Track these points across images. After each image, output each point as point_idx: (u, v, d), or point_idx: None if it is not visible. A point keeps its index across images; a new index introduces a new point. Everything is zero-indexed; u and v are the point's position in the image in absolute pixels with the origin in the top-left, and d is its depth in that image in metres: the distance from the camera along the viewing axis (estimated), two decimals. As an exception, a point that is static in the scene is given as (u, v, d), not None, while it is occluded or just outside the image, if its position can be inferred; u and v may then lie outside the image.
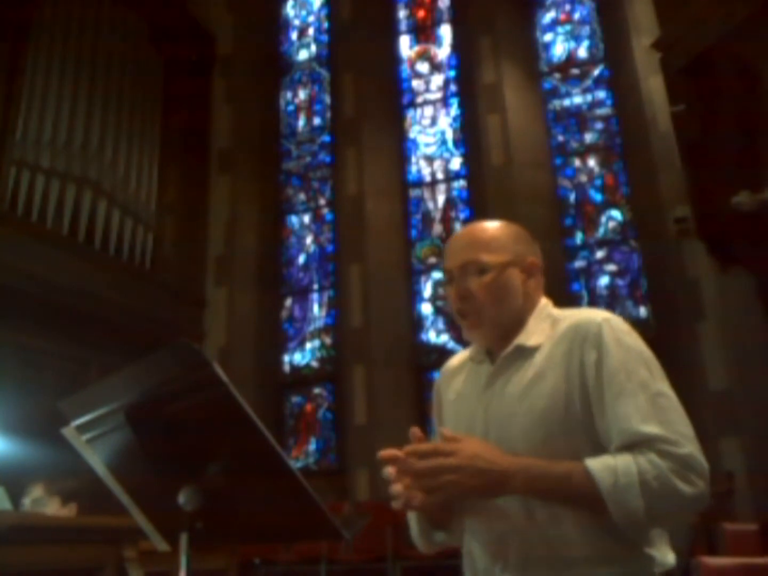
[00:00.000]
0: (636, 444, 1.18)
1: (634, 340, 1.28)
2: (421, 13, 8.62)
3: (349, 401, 7.18)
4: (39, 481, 4.27)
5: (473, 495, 1.19)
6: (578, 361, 1.26)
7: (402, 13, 8.68)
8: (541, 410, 1.26)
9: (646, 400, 1.21)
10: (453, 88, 8.19)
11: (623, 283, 6.85)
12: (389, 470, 1.18)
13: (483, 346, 1.44)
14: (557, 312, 1.39)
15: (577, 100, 7.52)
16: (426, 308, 7.52)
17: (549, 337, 1.34)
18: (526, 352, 1.34)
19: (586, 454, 1.22)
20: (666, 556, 1.28)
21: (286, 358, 7.89)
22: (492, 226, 1.42)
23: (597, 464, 1.17)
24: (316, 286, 8.05)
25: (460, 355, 1.53)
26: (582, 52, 7.67)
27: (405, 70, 8.44)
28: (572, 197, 7.28)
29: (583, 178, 7.29)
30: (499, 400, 1.34)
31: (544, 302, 1.41)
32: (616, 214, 7.07)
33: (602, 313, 1.32)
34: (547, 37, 7.87)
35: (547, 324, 1.36)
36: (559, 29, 7.84)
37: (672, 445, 1.17)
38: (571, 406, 1.25)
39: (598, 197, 7.20)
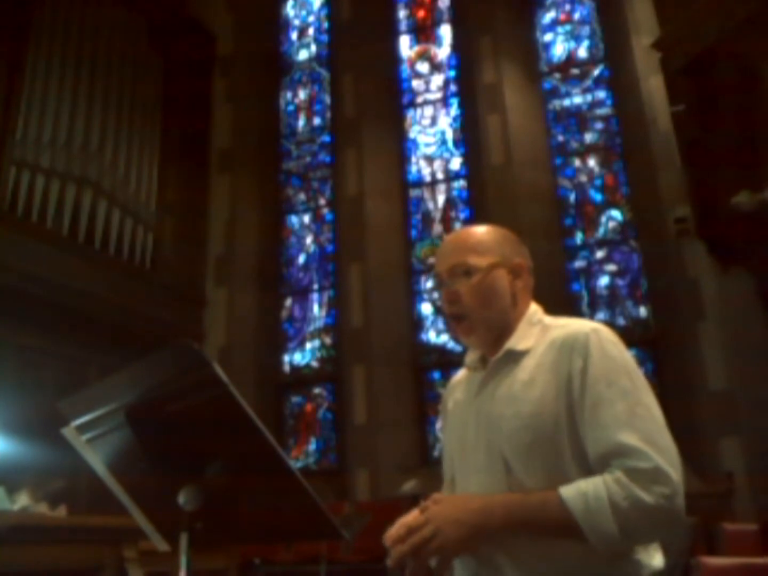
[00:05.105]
0: (610, 454, 1.20)
1: (619, 350, 1.30)
2: (421, 13, 8.62)
3: (349, 401, 7.18)
4: (23, 488, 4.22)
5: (463, 546, 1.21)
6: (566, 369, 1.28)
7: (402, 13, 8.67)
8: (528, 415, 1.27)
9: (624, 410, 1.22)
10: (453, 88, 8.19)
11: (623, 283, 6.84)
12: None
13: (479, 350, 1.46)
14: (548, 319, 1.42)
15: (577, 100, 7.51)
16: (426, 308, 7.51)
17: (539, 342, 1.36)
18: (516, 356, 1.36)
19: (571, 461, 1.24)
20: (653, 558, 1.28)
21: (286, 358, 7.88)
22: (479, 230, 1.46)
23: (569, 491, 1.18)
24: (316, 286, 8.04)
25: (465, 369, 1.56)
26: (582, 52, 7.66)
27: (405, 70, 8.43)
28: (572, 197, 7.27)
29: (583, 178, 7.28)
30: (489, 403, 1.36)
31: (534, 308, 1.44)
32: (616, 214, 7.06)
33: (592, 323, 1.35)
34: (547, 37, 7.86)
35: (537, 329, 1.39)
36: (559, 29, 7.83)
37: (640, 460, 1.17)
38: (559, 413, 1.26)
39: (598, 197, 7.19)
